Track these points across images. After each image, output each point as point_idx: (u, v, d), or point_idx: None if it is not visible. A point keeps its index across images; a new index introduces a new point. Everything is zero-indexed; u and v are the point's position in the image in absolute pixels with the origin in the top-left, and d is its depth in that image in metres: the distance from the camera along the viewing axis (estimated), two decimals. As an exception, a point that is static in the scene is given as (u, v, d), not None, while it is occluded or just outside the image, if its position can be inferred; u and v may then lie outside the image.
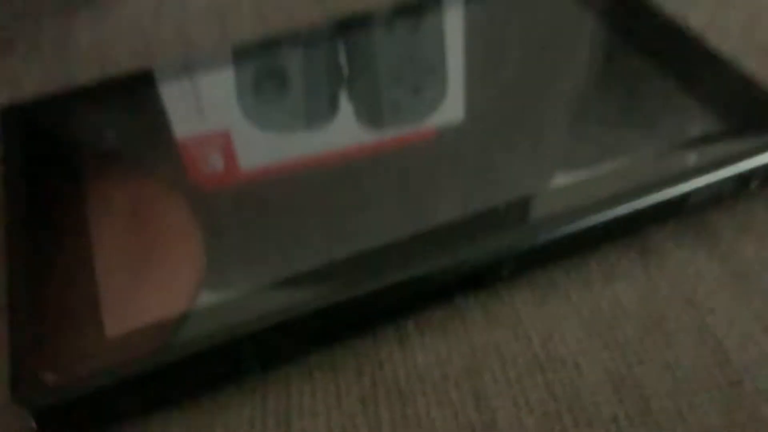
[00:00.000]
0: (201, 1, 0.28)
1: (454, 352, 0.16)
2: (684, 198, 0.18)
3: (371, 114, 0.21)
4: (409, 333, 0.17)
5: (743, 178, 0.18)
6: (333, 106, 0.21)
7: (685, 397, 0.15)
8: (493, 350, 0.16)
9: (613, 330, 0.17)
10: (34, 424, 0.15)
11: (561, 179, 0.18)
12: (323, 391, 0.16)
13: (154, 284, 0.17)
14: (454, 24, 0.24)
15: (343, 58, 0.23)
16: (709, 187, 0.18)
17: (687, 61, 0.21)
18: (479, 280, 0.17)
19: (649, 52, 0.22)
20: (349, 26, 0.24)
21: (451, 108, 0.21)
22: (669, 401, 0.15)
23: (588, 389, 0.16)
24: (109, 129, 0.21)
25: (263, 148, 0.20)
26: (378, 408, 0.16)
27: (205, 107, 0.22)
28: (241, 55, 0.23)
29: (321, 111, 0.21)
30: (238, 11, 0.27)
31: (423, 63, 0.22)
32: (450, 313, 0.17)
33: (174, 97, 0.22)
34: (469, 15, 0.24)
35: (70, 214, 0.18)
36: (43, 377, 0.15)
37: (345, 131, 0.20)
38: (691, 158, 0.18)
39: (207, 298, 0.16)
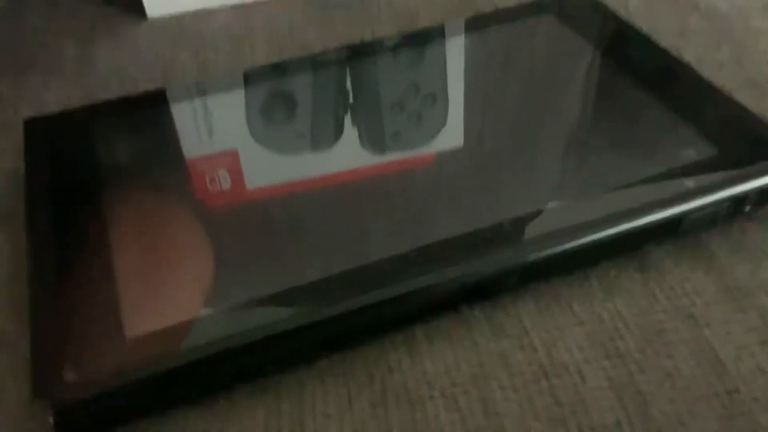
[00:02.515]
0: (216, 28, 0.29)
1: (461, 360, 0.17)
2: (680, 219, 0.19)
3: (391, 133, 0.22)
4: (417, 341, 0.17)
5: (737, 201, 0.19)
6: (340, 130, 0.22)
7: (685, 405, 0.16)
8: (499, 358, 0.17)
9: (614, 341, 0.17)
10: (51, 420, 0.15)
11: (565, 198, 0.19)
12: (335, 395, 0.16)
13: (171, 289, 0.17)
14: (455, 53, 0.25)
15: (349, 84, 0.24)
16: (704, 208, 0.19)
17: (685, 92, 0.22)
18: (485, 291, 0.18)
19: (649, 82, 0.23)
20: (356, 54, 0.25)
21: (459, 129, 0.22)
22: (669, 408, 0.16)
23: (591, 396, 0.16)
24: (126, 143, 0.22)
25: (275, 166, 0.21)
26: (388, 413, 0.16)
27: (215, 127, 0.23)
28: (251, 79, 0.24)
29: (327, 133, 0.22)
30: (251, 38, 0.28)
31: (426, 89, 0.23)
32: (456, 322, 0.18)
33: (188, 116, 0.23)
34: (470, 44, 0.26)
35: (89, 221, 0.19)
36: (64, 375, 0.15)
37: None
38: (688, 182, 0.19)
39: (221, 304, 0.17)
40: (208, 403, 0.16)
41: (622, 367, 0.17)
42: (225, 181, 0.21)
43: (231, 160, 0.21)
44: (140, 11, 0.29)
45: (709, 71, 0.25)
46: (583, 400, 0.16)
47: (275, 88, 0.24)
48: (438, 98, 0.23)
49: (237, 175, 0.21)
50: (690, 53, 0.26)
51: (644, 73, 0.23)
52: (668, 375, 0.16)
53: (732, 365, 0.17)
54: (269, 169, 0.21)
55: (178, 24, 0.29)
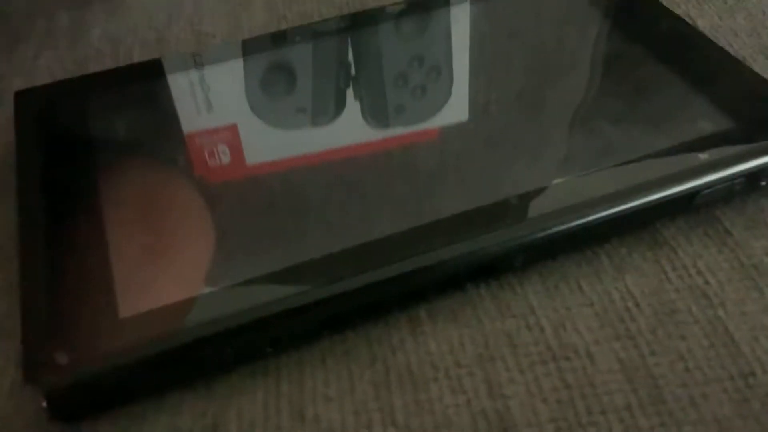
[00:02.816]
0: (213, -2, 0.28)
1: (466, 340, 0.16)
2: (694, 194, 0.18)
3: (395, 107, 0.21)
4: (421, 321, 0.17)
5: (752, 176, 0.19)
6: (342, 103, 0.21)
7: (698, 388, 0.15)
8: (505, 339, 0.16)
9: (624, 321, 0.17)
10: (44, 404, 0.15)
11: (573, 173, 0.18)
12: (336, 376, 0.16)
13: (167, 267, 0.17)
14: (461, 23, 0.24)
15: (350, 55, 0.23)
16: (718, 183, 0.18)
17: (699, 61, 0.21)
18: (491, 269, 0.17)
19: (662, 51, 0.22)
20: (358, 23, 0.24)
21: (465, 102, 0.21)
22: (682, 391, 0.15)
23: (601, 378, 0.16)
24: (120, 116, 0.21)
25: (274, 140, 0.20)
26: (391, 394, 0.16)
27: (213, 100, 0.22)
28: (250, 50, 0.23)
29: (329, 107, 0.21)
30: (250, 6, 0.27)
31: (431, 60, 0.23)
32: (461, 302, 0.17)
33: (184, 88, 0.22)
34: (477, 14, 0.25)
35: (82, 197, 0.18)
36: (56, 358, 0.15)
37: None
38: (702, 155, 0.18)
39: (219, 282, 0.16)
40: (206, 384, 0.16)
41: (632, 348, 0.16)
42: (224, 156, 0.20)
43: (230, 134, 0.21)
44: (135, -21, 0.28)
45: (723, 40, 0.24)
46: (593, 382, 0.16)
47: (274, 59, 0.23)
48: (443, 70, 0.22)
49: (236, 149, 0.20)
50: (705, 22, 0.25)
51: (657, 42, 0.22)
52: (681, 357, 0.16)
53: (747, 347, 0.16)
54: (269, 143, 0.20)
55: (174, -7, 0.28)
